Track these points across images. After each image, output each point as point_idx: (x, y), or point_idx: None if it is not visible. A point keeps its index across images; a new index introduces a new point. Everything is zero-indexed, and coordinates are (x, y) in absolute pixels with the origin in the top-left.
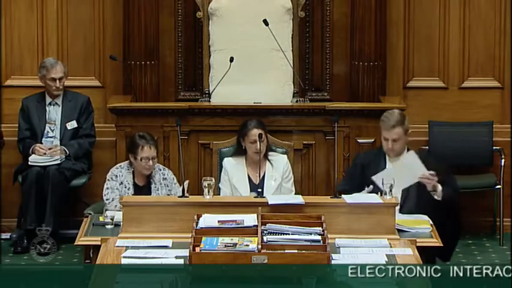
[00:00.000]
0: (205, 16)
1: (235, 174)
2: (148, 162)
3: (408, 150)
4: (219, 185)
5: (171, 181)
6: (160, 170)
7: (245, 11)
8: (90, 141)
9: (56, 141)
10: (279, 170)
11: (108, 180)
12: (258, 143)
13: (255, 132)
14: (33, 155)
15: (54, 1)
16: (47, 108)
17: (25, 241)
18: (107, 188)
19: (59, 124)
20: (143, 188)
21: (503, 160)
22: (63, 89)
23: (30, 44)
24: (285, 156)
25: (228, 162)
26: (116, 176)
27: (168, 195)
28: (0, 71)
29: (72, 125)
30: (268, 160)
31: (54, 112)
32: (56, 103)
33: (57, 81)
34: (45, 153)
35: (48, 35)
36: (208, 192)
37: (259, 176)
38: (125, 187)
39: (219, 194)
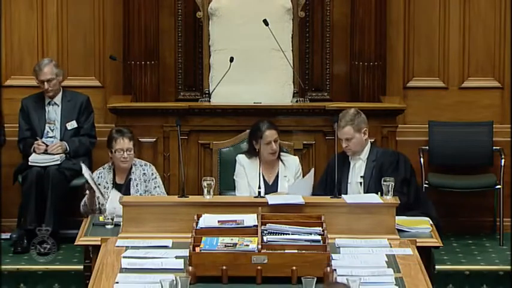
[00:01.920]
0: (205, 16)
1: (249, 173)
2: (123, 154)
3: (372, 147)
4: (235, 177)
5: (149, 176)
6: (142, 165)
7: (245, 11)
8: (91, 141)
9: (56, 141)
10: (291, 170)
11: None
12: (273, 144)
13: (270, 133)
14: (33, 155)
15: (54, 1)
16: (46, 108)
17: (25, 241)
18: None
19: (58, 124)
20: (122, 185)
21: (503, 160)
22: (56, 90)
23: (30, 44)
24: (297, 157)
25: (243, 158)
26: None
27: (146, 190)
28: (0, 71)
29: (72, 125)
30: (281, 160)
31: (53, 112)
32: (55, 103)
33: (46, 83)
34: (46, 150)
35: (48, 35)
36: (208, 192)
37: (260, 176)
38: (104, 187)
39: (235, 188)
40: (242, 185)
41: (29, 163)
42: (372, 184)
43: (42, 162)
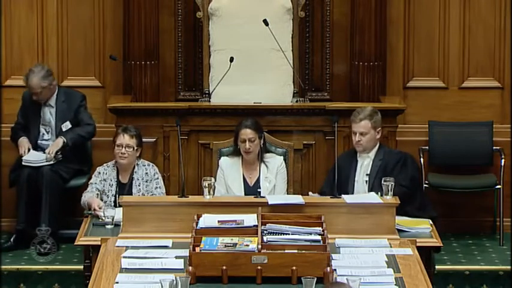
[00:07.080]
0: (205, 16)
1: (230, 175)
2: (122, 149)
3: (380, 147)
4: (215, 183)
5: (151, 176)
6: (145, 165)
7: (245, 11)
8: (89, 130)
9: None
10: (273, 171)
11: (92, 177)
12: (247, 143)
13: (244, 132)
14: (26, 155)
15: (54, 1)
16: (41, 109)
17: (11, 241)
18: (89, 184)
19: (53, 126)
20: (125, 185)
21: (503, 160)
22: (48, 96)
23: (30, 44)
24: (281, 157)
25: (225, 161)
26: (99, 173)
27: (147, 191)
28: (0, 71)
29: (66, 126)
30: (264, 162)
31: (48, 113)
32: (50, 104)
33: (34, 95)
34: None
35: (48, 35)
36: (209, 192)
37: (245, 178)
38: (109, 184)
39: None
40: (219, 192)
41: (23, 163)
42: (376, 183)
43: (35, 162)
